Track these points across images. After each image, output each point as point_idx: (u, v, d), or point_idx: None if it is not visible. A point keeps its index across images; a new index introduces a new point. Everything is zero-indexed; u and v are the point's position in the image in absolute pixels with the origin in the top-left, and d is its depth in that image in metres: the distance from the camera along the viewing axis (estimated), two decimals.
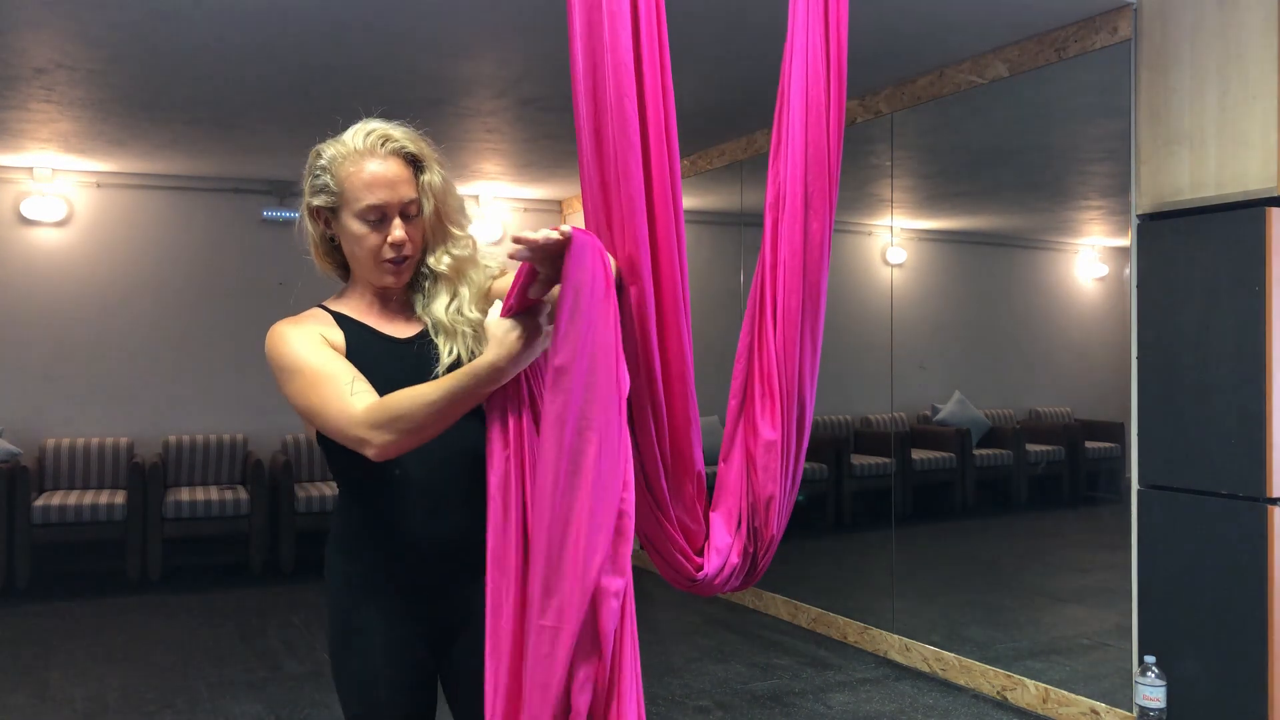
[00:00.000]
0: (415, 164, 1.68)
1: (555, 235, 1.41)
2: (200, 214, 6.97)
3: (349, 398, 1.56)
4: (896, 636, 4.70)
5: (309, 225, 1.74)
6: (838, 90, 1.72)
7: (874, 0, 3.68)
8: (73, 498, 6.13)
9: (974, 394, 5.85)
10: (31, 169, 6.48)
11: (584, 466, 1.42)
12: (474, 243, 1.74)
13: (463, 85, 4.71)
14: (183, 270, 6.90)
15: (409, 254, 1.68)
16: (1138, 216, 3.68)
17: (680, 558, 1.67)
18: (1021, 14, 3.86)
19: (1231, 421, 3.35)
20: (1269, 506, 3.25)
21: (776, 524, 1.71)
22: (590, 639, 1.43)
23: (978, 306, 5.94)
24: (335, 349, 1.66)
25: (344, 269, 1.78)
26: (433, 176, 1.68)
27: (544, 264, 1.46)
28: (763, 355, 1.72)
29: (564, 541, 1.42)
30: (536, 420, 1.57)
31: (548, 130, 5.51)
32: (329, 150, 1.69)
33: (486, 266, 1.75)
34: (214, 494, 6.40)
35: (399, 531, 1.67)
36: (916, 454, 5.81)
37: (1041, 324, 5.62)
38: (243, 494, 6.43)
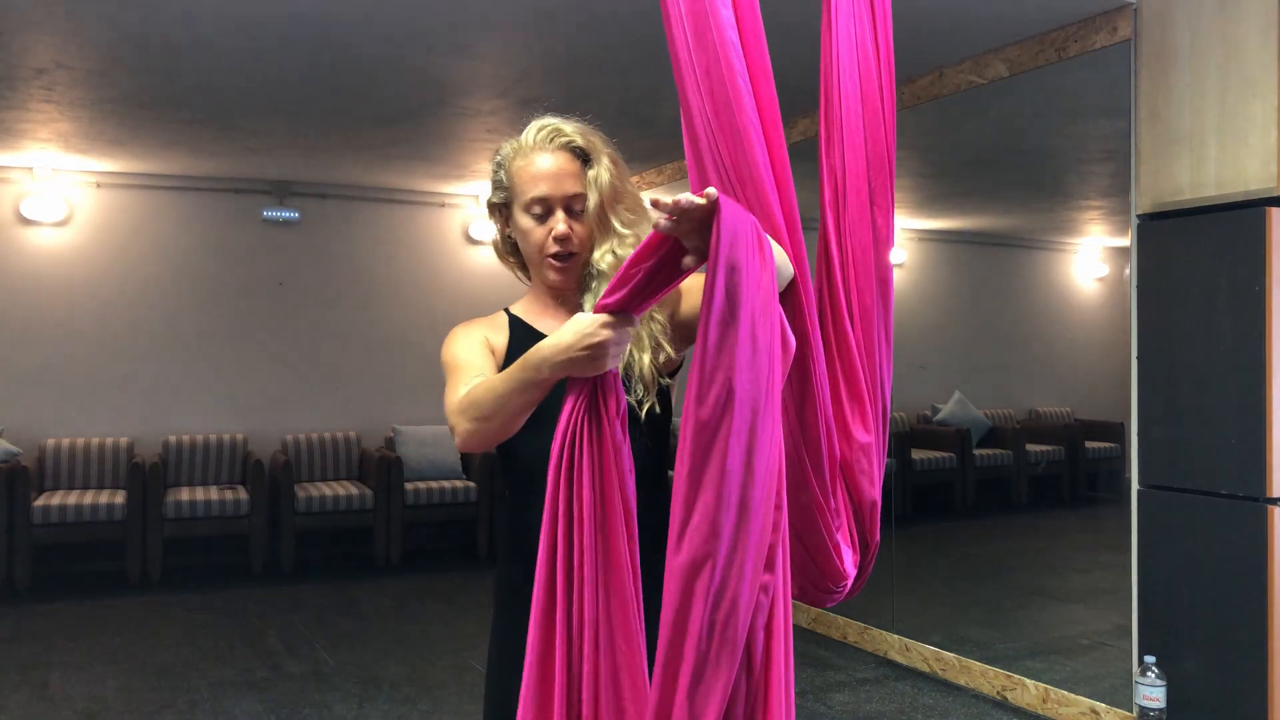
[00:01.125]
0: (584, 159, 1.66)
1: (700, 200, 1.30)
2: (200, 214, 6.97)
3: (461, 389, 1.57)
4: (896, 636, 4.70)
5: (492, 223, 1.77)
6: (888, 82, 1.69)
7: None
8: (73, 498, 6.13)
9: (974, 394, 5.85)
10: (31, 169, 6.48)
11: (757, 453, 1.32)
12: (639, 240, 1.61)
13: (463, 85, 4.70)
14: (183, 270, 6.89)
15: (574, 250, 1.65)
16: (1138, 216, 3.68)
17: (837, 561, 1.60)
18: (1021, 14, 3.86)
19: (1231, 421, 3.35)
20: (1269, 506, 3.25)
21: (879, 530, 1.66)
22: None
23: (978, 306, 5.94)
24: (495, 351, 1.68)
25: (525, 269, 1.78)
26: (600, 171, 1.64)
27: (691, 234, 1.34)
28: (845, 356, 1.68)
29: (741, 529, 1.30)
30: (599, 444, 1.44)
31: None
32: (505, 148, 1.71)
33: None
34: (214, 494, 6.40)
35: (530, 541, 1.58)
36: (916, 454, 5.80)
37: (1041, 324, 5.62)
38: (243, 494, 6.43)
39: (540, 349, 1.43)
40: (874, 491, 1.64)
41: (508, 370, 1.48)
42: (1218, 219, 3.41)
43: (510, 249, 1.77)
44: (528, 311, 1.75)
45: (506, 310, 1.78)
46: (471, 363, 1.63)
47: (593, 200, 1.63)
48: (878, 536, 1.66)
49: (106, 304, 6.72)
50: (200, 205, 6.96)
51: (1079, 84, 4.14)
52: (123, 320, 6.75)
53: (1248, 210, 3.33)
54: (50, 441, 6.47)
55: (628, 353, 1.59)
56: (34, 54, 4.23)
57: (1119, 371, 3.78)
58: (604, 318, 1.40)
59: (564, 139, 1.66)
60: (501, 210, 1.73)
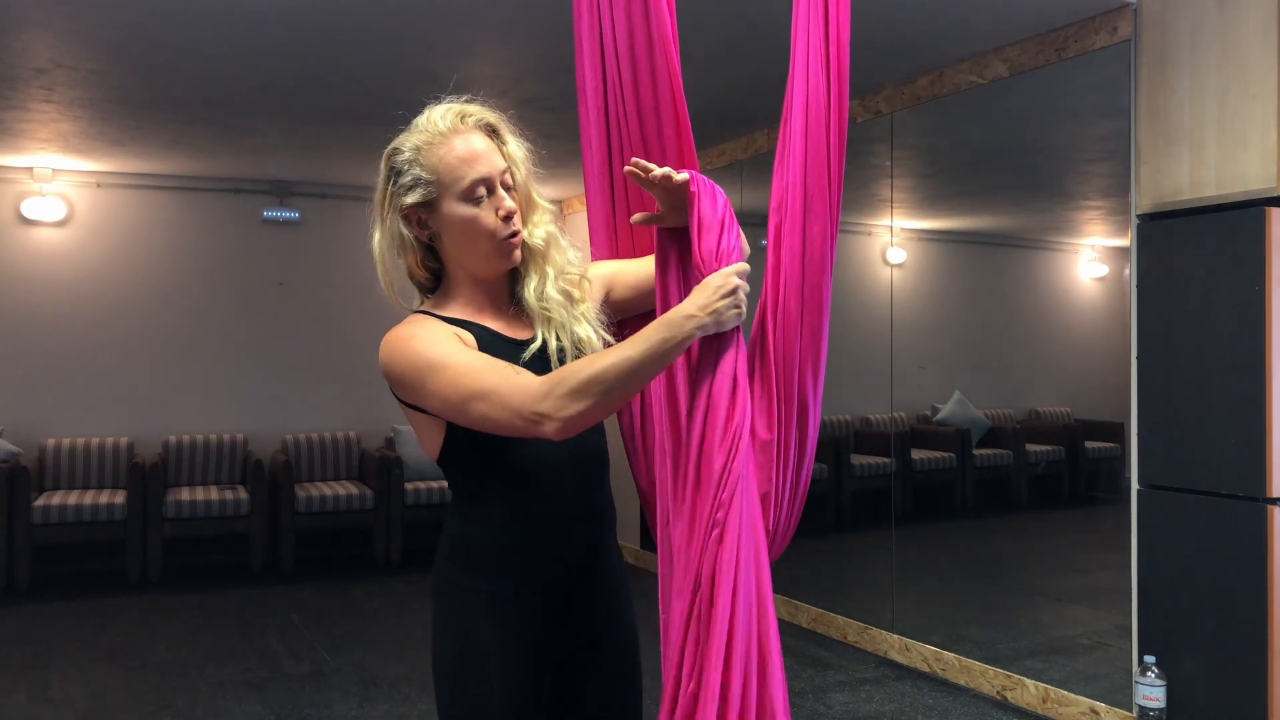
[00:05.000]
0: (494, 135, 1.62)
1: (676, 177, 1.48)
2: (200, 214, 6.97)
3: (515, 375, 1.44)
4: (896, 636, 4.70)
5: (403, 232, 1.58)
6: (838, 92, 1.69)
7: (874, 0, 3.68)
8: (73, 498, 6.13)
9: (974, 394, 5.84)
10: (31, 169, 6.48)
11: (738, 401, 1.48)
12: (556, 215, 1.69)
13: (463, 85, 4.68)
14: (183, 270, 6.90)
15: (518, 226, 1.60)
16: (1138, 216, 3.68)
17: None
18: (1021, 14, 3.86)
19: (1231, 421, 3.35)
20: (1269, 506, 3.25)
21: (773, 519, 1.68)
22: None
23: (978, 306, 5.94)
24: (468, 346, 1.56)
25: (434, 278, 1.66)
26: (514, 146, 1.62)
27: (663, 201, 1.55)
28: (762, 358, 1.71)
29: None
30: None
31: (548, 130, 5.51)
32: (410, 142, 1.59)
33: (569, 249, 1.67)
34: (214, 494, 6.40)
35: (525, 544, 1.59)
36: (916, 454, 5.80)
37: (1041, 324, 5.62)
38: (243, 494, 6.43)
39: (681, 309, 1.43)
40: (767, 485, 1.66)
41: (634, 339, 1.41)
42: (1218, 219, 3.41)
43: (424, 256, 1.62)
44: (464, 314, 1.62)
45: (430, 313, 1.61)
46: (481, 355, 1.50)
47: (520, 174, 1.61)
48: (770, 523, 1.68)
49: (106, 304, 6.72)
50: (200, 205, 6.96)
51: (1079, 84, 4.14)
52: (123, 320, 6.75)
53: (1248, 210, 3.33)
54: (50, 441, 6.47)
55: (573, 336, 1.60)
56: (34, 54, 4.23)
57: (1119, 371, 3.78)
58: (731, 268, 1.48)
59: (474, 118, 1.61)
60: (420, 211, 1.57)
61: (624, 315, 1.75)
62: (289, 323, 7.11)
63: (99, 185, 6.72)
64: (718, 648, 1.39)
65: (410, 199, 1.56)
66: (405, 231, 1.59)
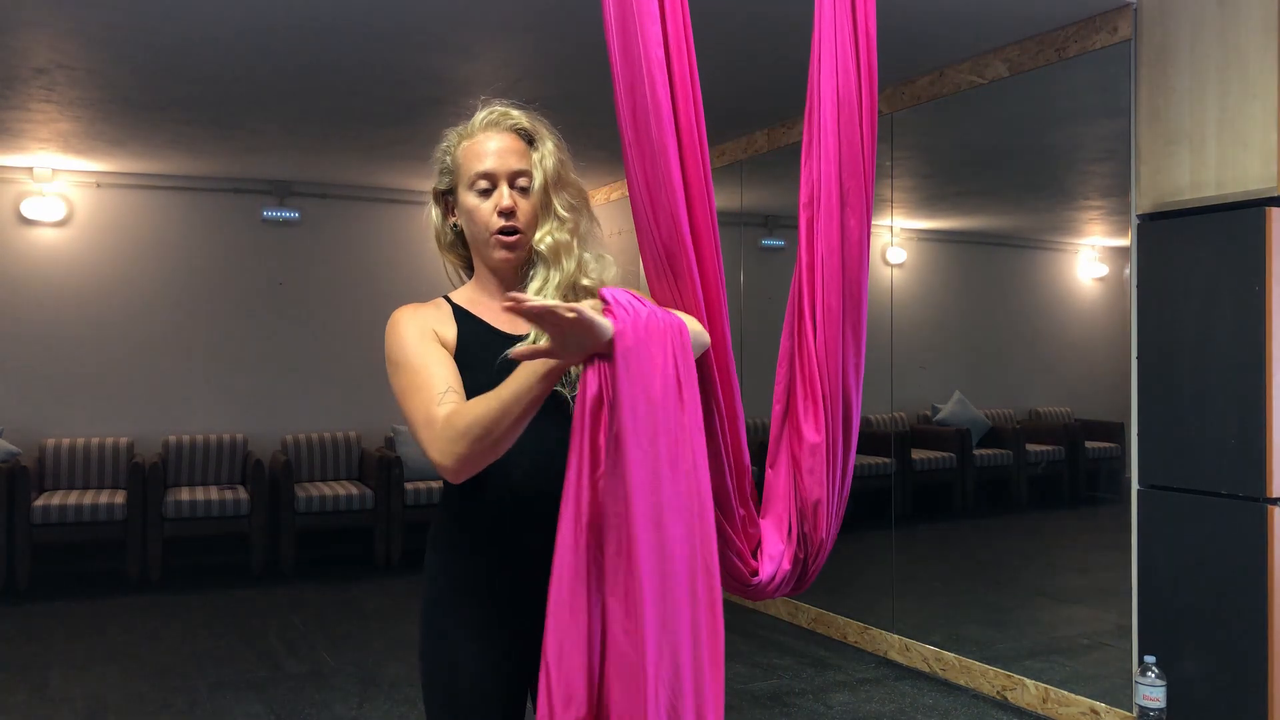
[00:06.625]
0: (530, 141, 1.69)
1: (563, 314, 1.27)
2: (200, 214, 6.97)
3: (435, 408, 1.51)
4: (896, 636, 4.70)
5: (433, 212, 1.76)
6: (869, 85, 1.69)
7: (874, 0, 3.68)
8: (73, 498, 6.13)
9: (974, 394, 5.84)
10: (31, 169, 6.48)
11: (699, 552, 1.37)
12: (578, 227, 1.68)
13: (463, 85, 4.70)
14: (183, 270, 6.90)
15: (519, 226, 1.65)
16: (1138, 216, 3.68)
17: (737, 560, 1.64)
18: (1021, 14, 3.86)
19: (1231, 421, 3.34)
20: (1269, 506, 3.25)
21: (825, 528, 1.67)
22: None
23: (978, 306, 5.94)
24: (446, 344, 1.64)
25: (467, 264, 1.78)
26: (544, 154, 1.67)
27: (555, 337, 1.33)
28: (804, 357, 1.69)
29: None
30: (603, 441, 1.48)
31: None
32: (451, 134, 1.74)
33: (588, 263, 1.68)
34: (214, 494, 6.40)
35: (500, 535, 1.65)
36: (916, 454, 5.80)
37: (1041, 324, 5.62)
38: (243, 494, 6.43)
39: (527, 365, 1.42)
40: (819, 491, 1.65)
41: (506, 382, 1.43)
42: (1218, 219, 3.41)
43: (452, 242, 1.76)
44: (472, 302, 1.72)
45: (448, 299, 1.74)
46: (437, 373, 1.56)
47: (537, 179, 1.66)
48: (823, 533, 1.67)
49: (106, 304, 6.72)
50: (200, 205, 6.96)
51: (1079, 84, 4.14)
52: (123, 320, 6.75)
53: (1248, 210, 3.33)
54: (50, 441, 6.47)
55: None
56: (34, 54, 4.23)
57: (1119, 371, 3.78)
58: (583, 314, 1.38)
59: (510, 121, 1.70)
60: (446, 197, 1.73)
61: None
62: (289, 323, 7.11)
63: (99, 185, 6.72)
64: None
65: (439, 185, 1.74)
66: (434, 210, 1.76)
